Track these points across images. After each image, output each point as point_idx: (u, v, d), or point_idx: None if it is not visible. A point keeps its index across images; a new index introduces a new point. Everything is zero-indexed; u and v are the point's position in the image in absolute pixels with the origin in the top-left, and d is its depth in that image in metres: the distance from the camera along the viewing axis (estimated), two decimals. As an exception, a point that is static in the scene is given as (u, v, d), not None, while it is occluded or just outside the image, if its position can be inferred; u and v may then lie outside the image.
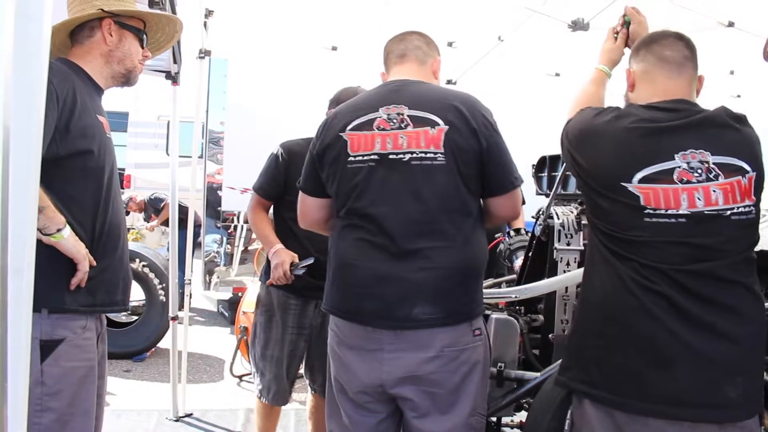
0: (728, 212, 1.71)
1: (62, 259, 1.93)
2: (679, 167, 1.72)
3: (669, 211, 1.71)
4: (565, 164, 3.14)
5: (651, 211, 1.72)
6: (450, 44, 4.54)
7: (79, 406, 2.00)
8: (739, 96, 5.46)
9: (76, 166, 1.98)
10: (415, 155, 1.98)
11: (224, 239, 7.65)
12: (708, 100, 5.64)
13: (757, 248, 3.05)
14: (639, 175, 1.73)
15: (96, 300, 2.05)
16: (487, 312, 2.68)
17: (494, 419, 2.79)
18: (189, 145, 5.59)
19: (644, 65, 1.92)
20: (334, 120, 2.12)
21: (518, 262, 3.23)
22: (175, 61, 3.97)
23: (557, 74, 4.82)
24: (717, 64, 4.68)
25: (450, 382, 1.98)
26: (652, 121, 1.79)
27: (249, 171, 3.96)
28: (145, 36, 2.22)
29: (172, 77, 4.09)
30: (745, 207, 1.73)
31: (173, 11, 3.01)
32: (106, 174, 2.08)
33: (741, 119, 1.82)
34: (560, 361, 2.50)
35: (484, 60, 4.44)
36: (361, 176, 2.02)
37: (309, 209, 2.23)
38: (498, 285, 3.31)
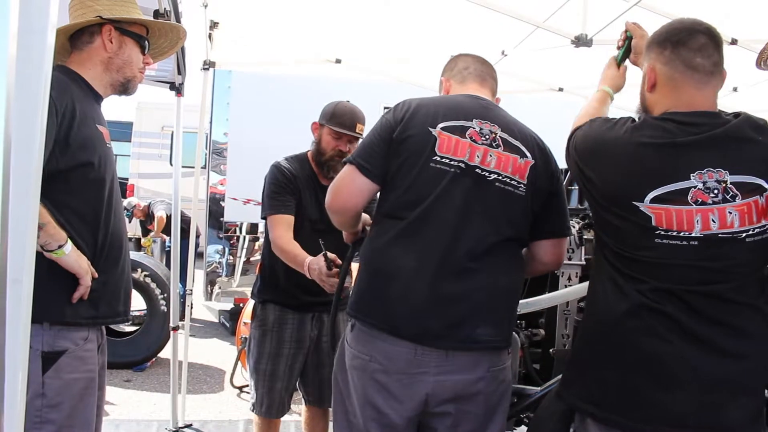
0: (743, 235, 1.63)
1: (64, 272, 1.92)
2: (695, 187, 1.63)
3: (681, 233, 1.63)
4: (566, 179, 3.15)
5: (662, 232, 1.65)
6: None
7: (79, 417, 2.00)
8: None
9: (77, 178, 1.97)
10: (500, 178, 1.94)
11: (226, 250, 7.67)
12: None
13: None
14: (651, 195, 1.64)
15: (99, 312, 2.05)
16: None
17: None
18: (192, 156, 5.62)
19: (670, 70, 1.75)
20: (420, 110, 1.98)
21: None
22: (179, 72, 3.99)
23: (561, 89, 4.83)
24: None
25: (491, 402, 1.97)
26: (669, 136, 1.68)
27: (252, 182, 3.97)
28: (147, 43, 2.20)
29: (176, 88, 4.10)
30: (760, 228, 1.64)
31: (178, 22, 3.02)
32: (107, 185, 2.07)
33: (763, 129, 1.69)
34: (560, 376, 2.51)
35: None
36: (444, 181, 1.91)
37: (356, 190, 1.99)
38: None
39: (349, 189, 2.00)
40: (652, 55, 1.81)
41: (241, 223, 7.29)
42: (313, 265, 2.61)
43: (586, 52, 3.23)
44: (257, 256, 7.26)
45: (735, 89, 4.73)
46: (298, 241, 2.77)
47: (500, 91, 5.49)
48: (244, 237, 7.72)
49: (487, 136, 1.96)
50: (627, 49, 2.29)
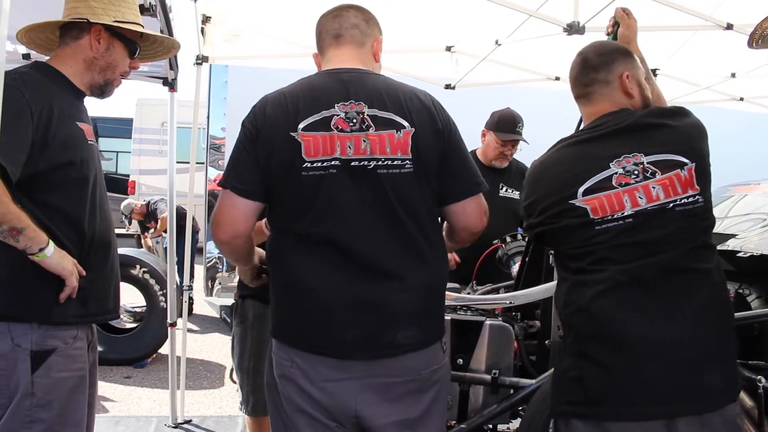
0: (671, 204, 1.77)
1: (51, 272, 1.91)
2: (616, 173, 1.79)
3: (615, 215, 1.78)
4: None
5: (599, 220, 1.79)
6: (449, 48, 4.51)
7: (70, 416, 1.98)
8: (742, 99, 5.42)
9: (59, 178, 1.95)
10: (380, 163, 1.77)
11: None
12: (712, 105, 5.56)
13: (758, 253, 3.04)
14: (582, 189, 1.81)
15: (88, 310, 2.03)
16: (482, 318, 2.66)
17: (489, 426, 2.76)
18: (188, 151, 5.58)
19: (577, 101, 2.00)
20: (276, 112, 1.79)
21: (515, 268, 3.21)
22: (171, 68, 3.97)
23: (557, 78, 4.78)
24: (718, 67, 4.65)
25: (423, 404, 1.84)
26: (579, 137, 1.93)
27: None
28: (137, 47, 2.14)
29: (169, 83, 4.08)
30: (688, 197, 1.78)
31: (166, 17, 2.99)
32: (90, 183, 2.04)
33: (675, 113, 1.88)
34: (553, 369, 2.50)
35: (483, 64, 4.41)
36: (323, 188, 1.76)
37: (238, 214, 1.79)
38: (496, 291, 3.28)
39: (230, 215, 1.80)
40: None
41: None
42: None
43: (581, 40, 3.19)
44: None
45: (733, 75, 4.68)
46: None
47: (496, 81, 5.43)
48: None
49: (354, 120, 1.77)
50: (615, 37, 2.27)
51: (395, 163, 1.78)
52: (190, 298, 6.93)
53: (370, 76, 1.87)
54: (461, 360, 2.63)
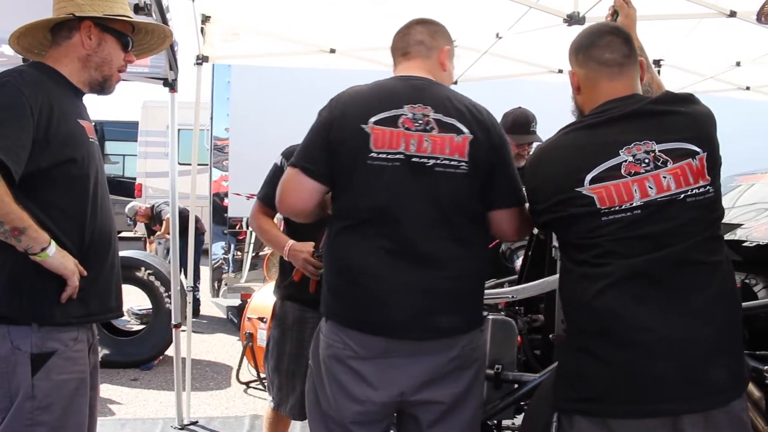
0: (682, 195, 1.72)
1: (52, 273, 1.90)
2: (626, 161, 1.74)
3: (623, 206, 1.73)
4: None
5: (606, 210, 1.74)
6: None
7: (71, 419, 1.98)
8: (748, 88, 5.36)
9: (60, 176, 1.94)
10: (438, 162, 1.92)
11: (232, 246, 7.67)
12: (717, 94, 5.50)
13: (764, 242, 2.99)
14: (589, 177, 1.75)
15: (90, 309, 2.03)
16: (485, 313, 2.63)
17: (494, 422, 2.73)
18: (197, 153, 5.56)
19: (585, 70, 1.91)
20: (351, 105, 1.97)
21: (519, 262, 3.18)
22: (171, 68, 3.96)
23: (560, 71, 4.75)
24: (722, 56, 4.60)
25: (466, 380, 1.99)
26: (586, 121, 1.86)
27: (255, 177, 3.93)
28: (130, 40, 2.13)
29: (170, 84, 4.08)
30: (699, 188, 1.73)
31: (163, 16, 2.98)
32: (92, 180, 2.03)
33: (685, 100, 1.83)
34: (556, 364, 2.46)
35: (485, 58, 4.39)
36: (385, 177, 1.91)
37: (304, 192, 1.98)
38: (501, 285, 3.25)
39: (296, 192, 1.99)
40: (572, 62, 1.97)
41: (246, 218, 7.28)
42: (299, 248, 2.64)
43: (580, 31, 3.16)
44: (266, 250, 7.24)
45: (738, 64, 4.63)
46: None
47: (498, 75, 5.41)
48: (250, 232, 7.71)
49: (420, 121, 1.93)
50: None
51: (452, 163, 1.94)
52: (196, 299, 6.93)
53: (438, 86, 2.04)
54: (464, 355, 2.60)
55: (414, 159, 1.92)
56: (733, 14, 3.34)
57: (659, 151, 1.74)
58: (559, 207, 1.81)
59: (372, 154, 1.91)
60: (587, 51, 1.90)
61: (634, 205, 1.72)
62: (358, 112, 1.94)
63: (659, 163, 1.73)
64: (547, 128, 2.95)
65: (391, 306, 1.91)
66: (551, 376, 2.40)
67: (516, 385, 2.57)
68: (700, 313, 1.69)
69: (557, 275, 2.66)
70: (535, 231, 2.94)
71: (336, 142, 1.94)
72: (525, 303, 2.88)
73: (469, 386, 2.01)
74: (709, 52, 4.43)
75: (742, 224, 3.32)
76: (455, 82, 4.70)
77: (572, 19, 3.10)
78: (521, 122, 3.72)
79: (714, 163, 1.76)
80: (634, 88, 1.89)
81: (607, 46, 1.87)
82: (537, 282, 2.69)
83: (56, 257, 1.89)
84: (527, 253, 3.01)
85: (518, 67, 4.69)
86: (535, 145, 3.70)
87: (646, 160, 1.73)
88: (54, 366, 1.92)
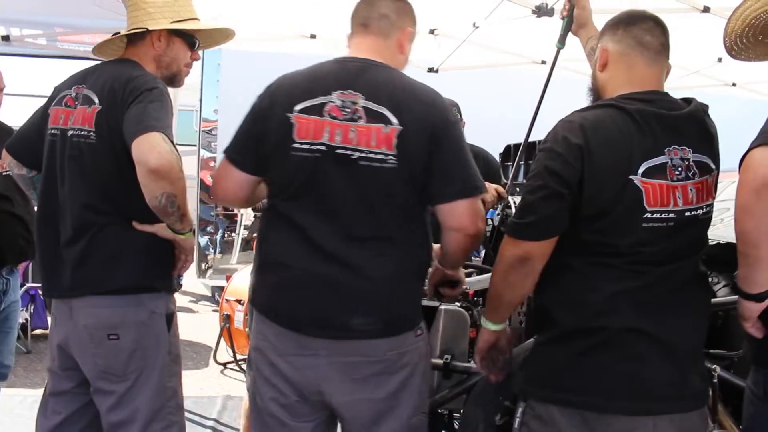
0: (699, 211, 1.69)
1: (171, 249, 2.16)
2: (667, 163, 1.66)
3: (662, 209, 1.64)
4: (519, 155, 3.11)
5: (649, 212, 1.64)
6: (432, 31, 4.47)
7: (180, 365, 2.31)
8: (734, 84, 5.34)
9: None
10: (364, 155, 1.80)
11: (220, 227, 7.70)
12: (703, 90, 5.45)
13: (725, 241, 3.00)
14: (642, 168, 1.63)
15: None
16: (437, 303, 2.65)
17: (445, 412, 2.76)
18: (186, 134, 5.60)
19: (622, 47, 1.79)
20: (279, 92, 1.90)
21: (483, 254, 3.19)
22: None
23: (543, 62, 4.73)
24: (703, 51, 4.58)
25: (391, 386, 1.87)
26: (643, 108, 1.69)
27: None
28: (196, 40, 2.29)
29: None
30: (708, 206, 1.71)
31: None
32: None
33: (707, 114, 1.77)
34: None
35: (466, 48, 4.38)
36: (306, 169, 1.83)
37: (232, 183, 1.96)
38: (468, 275, 3.27)
39: (225, 182, 1.98)
40: (605, 37, 1.85)
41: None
42: None
43: (551, 23, 3.16)
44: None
45: (720, 60, 4.61)
46: None
47: (477, 64, 5.38)
48: (242, 214, 7.74)
49: (348, 110, 1.82)
50: (570, 19, 2.26)
51: (378, 156, 1.80)
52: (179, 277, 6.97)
53: (377, 68, 1.88)
54: (416, 344, 2.62)
55: (339, 151, 1.81)
56: (706, 10, 3.32)
57: (693, 160, 1.67)
58: (606, 193, 1.65)
59: (295, 145, 1.84)
60: (628, 27, 1.79)
61: (671, 209, 1.64)
62: (285, 100, 1.86)
63: (690, 174, 1.66)
64: (527, 119, 2.94)
65: (300, 301, 1.84)
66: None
67: (465, 376, 2.60)
68: (686, 317, 1.70)
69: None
70: (496, 222, 2.96)
71: (262, 132, 1.88)
72: (482, 295, 2.89)
73: (396, 393, 1.88)
74: (690, 47, 4.41)
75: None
76: (435, 71, 4.72)
77: (540, 11, 3.10)
78: None
79: (718, 182, 1.75)
80: (663, 82, 1.81)
81: (649, 30, 1.77)
82: (489, 275, 2.70)
83: (191, 237, 2.18)
84: (488, 243, 3.02)
85: (499, 57, 4.68)
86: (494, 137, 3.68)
87: (680, 168, 1.66)
88: (175, 324, 2.24)
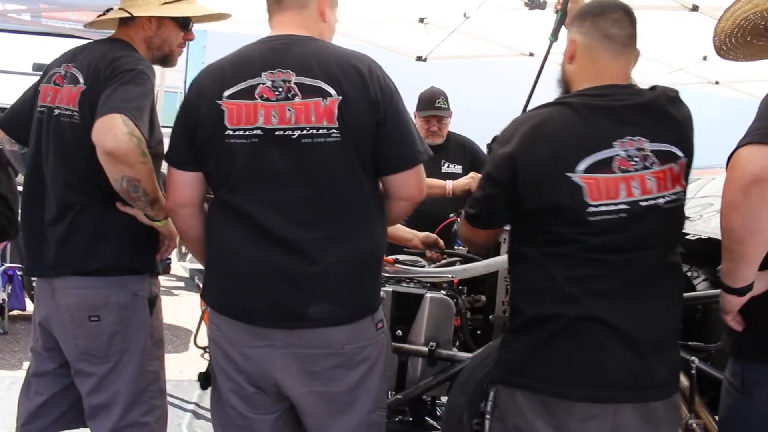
0: (660, 200, 1.70)
1: (155, 232, 2.16)
2: (618, 155, 1.68)
3: (609, 202, 1.67)
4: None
5: (594, 205, 1.67)
6: (422, 20, 4.47)
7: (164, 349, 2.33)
8: (717, 83, 5.40)
9: (159, 156, 2.12)
10: (305, 132, 1.73)
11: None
12: (687, 87, 5.51)
13: (705, 236, 3.05)
14: (583, 165, 1.67)
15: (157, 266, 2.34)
16: (422, 291, 2.67)
17: (429, 398, 2.79)
18: (172, 115, 5.49)
19: (588, 39, 1.80)
20: (205, 81, 1.82)
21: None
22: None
23: (531, 54, 4.75)
24: (689, 49, 4.63)
25: (350, 381, 1.82)
26: (583, 101, 1.75)
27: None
28: (189, 20, 2.24)
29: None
30: (674, 194, 1.73)
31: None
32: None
33: (676, 101, 1.79)
34: (490, 343, 2.51)
35: (456, 38, 4.38)
36: (244, 155, 1.75)
37: (179, 185, 1.86)
38: (452, 264, 3.29)
39: (173, 186, 1.87)
40: (573, 28, 1.87)
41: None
42: None
43: (544, 15, 3.17)
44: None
45: (705, 58, 4.65)
46: None
47: (466, 54, 5.38)
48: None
49: (281, 89, 1.74)
50: (564, 13, 2.27)
51: (320, 132, 1.73)
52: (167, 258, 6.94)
53: (303, 42, 1.81)
54: (401, 331, 2.64)
55: (277, 132, 1.73)
56: (695, 8, 3.35)
57: (650, 150, 1.69)
58: (544, 192, 1.71)
59: (228, 132, 1.75)
60: (595, 19, 1.79)
61: (619, 201, 1.67)
62: (212, 87, 1.78)
63: (647, 164, 1.69)
64: (514, 110, 2.95)
65: (252, 292, 1.77)
66: (482, 353, 2.46)
67: (449, 363, 2.63)
68: (654, 310, 1.72)
69: (502, 257, 2.71)
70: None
71: (193, 125, 1.80)
72: (469, 283, 2.92)
73: (354, 388, 1.82)
74: (676, 44, 4.46)
75: (689, 217, 3.38)
76: (424, 59, 4.71)
77: (533, 3, 3.10)
78: (425, 98, 3.73)
79: (689, 170, 1.76)
80: (629, 75, 1.83)
81: (616, 22, 1.77)
82: (477, 263, 2.73)
83: (170, 223, 2.12)
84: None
85: (488, 47, 4.68)
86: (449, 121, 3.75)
87: (636, 158, 1.68)
88: (158, 308, 2.23)
